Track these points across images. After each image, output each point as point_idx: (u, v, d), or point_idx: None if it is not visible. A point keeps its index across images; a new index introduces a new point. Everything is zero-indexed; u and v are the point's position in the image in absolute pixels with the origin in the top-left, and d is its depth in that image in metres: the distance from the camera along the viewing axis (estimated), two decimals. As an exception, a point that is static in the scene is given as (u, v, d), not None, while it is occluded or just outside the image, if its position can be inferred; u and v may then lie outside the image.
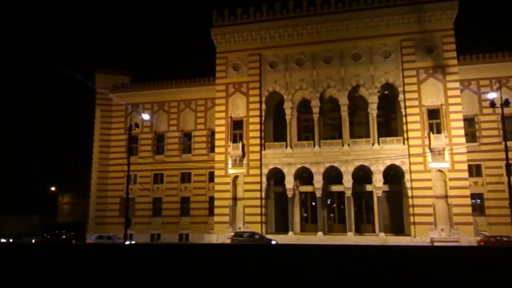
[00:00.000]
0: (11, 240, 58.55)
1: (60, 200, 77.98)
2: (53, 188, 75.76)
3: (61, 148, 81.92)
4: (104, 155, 59.92)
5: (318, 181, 47.54)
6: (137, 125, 46.82)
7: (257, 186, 48.90)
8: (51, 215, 76.62)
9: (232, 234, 44.05)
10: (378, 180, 46.27)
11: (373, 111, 48.09)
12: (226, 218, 49.06)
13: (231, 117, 51.16)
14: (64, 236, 62.50)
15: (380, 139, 47.43)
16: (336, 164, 47.43)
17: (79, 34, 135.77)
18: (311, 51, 50.29)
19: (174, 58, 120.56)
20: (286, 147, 49.54)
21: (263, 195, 48.87)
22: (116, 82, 62.26)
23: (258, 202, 48.58)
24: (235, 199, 49.77)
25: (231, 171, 50.07)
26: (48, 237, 62.30)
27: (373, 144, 47.28)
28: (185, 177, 56.79)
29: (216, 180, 50.92)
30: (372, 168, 46.59)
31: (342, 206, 49.60)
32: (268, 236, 45.69)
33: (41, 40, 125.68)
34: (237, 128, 51.13)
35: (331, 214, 51.37)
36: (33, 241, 58.09)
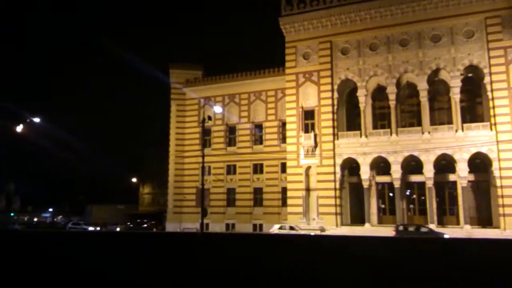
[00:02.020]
0: (98, 228, 62.76)
1: (141, 190, 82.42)
2: (134, 180, 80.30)
3: (141, 141, 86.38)
4: (180, 147, 62.07)
5: (396, 171, 45.46)
6: (209, 118, 48.09)
7: (331, 177, 47.90)
8: (133, 205, 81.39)
9: (398, 225, 41.86)
10: (462, 169, 43.23)
11: (455, 95, 44.88)
12: (300, 209, 48.71)
13: (302, 107, 50.46)
14: (145, 225, 66.11)
15: (464, 125, 44.21)
16: (415, 153, 45.03)
17: (153, 30, 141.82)
18: (385, 34, 47.95)
19: (244, 50, 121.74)
20: (361, 136, 47.91)
21: (338, 186, 47.78)
22: (189, 77, 64.01)
23: (332, 193, 47.61)
24: (308, 189, 49.21)
25: (303, 161, 49.50)
26: (131, 225, 66.25)
27: (456, 131, 44.21)
28: (257, 168, 57.19)
29: (288, 170, 50.68)
30: (456, 157, 43.61)
31: (423, 197, 47.06)
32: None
33: (120, 38, 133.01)
34: (308, 118, 50.36)
35: (411, 205, 48.97)
36: (118, 229, 62.04)
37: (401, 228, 40.27)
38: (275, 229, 44.65)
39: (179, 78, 64.07)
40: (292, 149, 50.45)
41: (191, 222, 56.28)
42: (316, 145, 49.00)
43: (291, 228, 44.29)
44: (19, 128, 43.50)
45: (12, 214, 78.59)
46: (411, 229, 39.93)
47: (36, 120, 44.80)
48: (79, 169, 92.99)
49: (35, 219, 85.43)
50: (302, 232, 43.09)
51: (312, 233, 42.09)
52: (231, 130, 60.30)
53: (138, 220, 67.97)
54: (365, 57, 48.74)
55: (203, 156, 41.90)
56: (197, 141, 60.02)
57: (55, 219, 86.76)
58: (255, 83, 58.64)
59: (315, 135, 49.14)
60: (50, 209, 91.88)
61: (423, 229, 39.66)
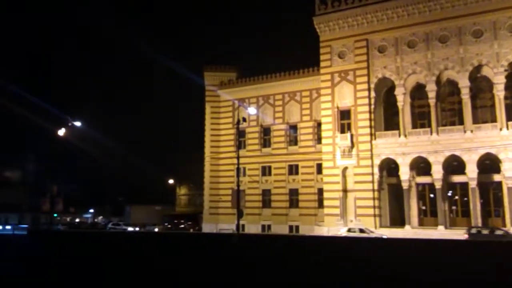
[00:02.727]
0: (137, 228, 64.11)
1: (178, 192, 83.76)
2: (171, 181, 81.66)
3: (177, 143, 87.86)
4: (215, 149, 62.56)
5: (437, 171, 44.04)
6: (244, 119, 47.90)
7: (369, 178, 46.97)
8: (170, 206, 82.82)
9: (470, 227, 39.75)
10: (508, 169, 41.40)
11: (499, 92, 43.02)
12: (337, 211, 48.03)
13: (337, 107, 49.73)
14: (182, 226, 67.02)
15: (509, 123, 42.30)
16: (457, 153, 43.48)
17: (188, 33, 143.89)
18: (424, 31, 46.56)
19: (278, 51, 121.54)
20: (399, 135, 46.73)
21: (376, 187, 46.79)
22: (223, 79, 64.41)
23: (370, 194, 46.68)
24: (345, 191, 48.45)
25: (340, 162, 48.79)
26: (169, 226, 67.33)
27: (500, 129, 42.38)
28: (293, 169, 56.85)
29: (325, 172, 50.10)
30: (501, 156, 41.80)
31: (465, 198, 45.35)
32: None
33: (155, 41, 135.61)
34: (344, 118, 49.60)
35: (453, 207, 47.30)
36: (156, 229, 63.19)
37: (474, 230, 38.18)
38: (343, 232, 41.82)
39: (214, 81, 64.59)
40: (328, 149, 49.83)
41: (227, 223, 56.66)
42: (352, 146, 48.18)
43: (361, 231, 40.42)
44: (61, 132, 45.15)
45: (55, 215, 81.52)
46: (485, 231, 37.84)
47: (77, 124, 46.40)
48: (118, 171, 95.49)
49: (77, 220, 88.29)
50: (373, 236, 39.53)
51: (385, 236, 38.90)
52: (266, 131, 60.22)
53: (175, 221, 68.99)
54: (403, 55, 47.49)
55: (238, 157, 41.94)
56: (232, 143, 60.32)
57: (95, 220, 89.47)
58: (289, 83, 58.32)
59: (352, 136, 48.31)
60: (91, 210, 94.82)
61: (498, 232, 37.43)
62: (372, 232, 41.34)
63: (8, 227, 65.41)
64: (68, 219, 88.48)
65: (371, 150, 47.41)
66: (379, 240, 35.92)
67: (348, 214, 47.86)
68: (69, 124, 45.44)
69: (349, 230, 41.57)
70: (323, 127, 50.95)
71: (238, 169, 42.07)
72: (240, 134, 54.43)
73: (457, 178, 45.52)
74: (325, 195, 49.52)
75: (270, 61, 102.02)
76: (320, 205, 51.65)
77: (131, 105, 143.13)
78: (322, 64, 51.83)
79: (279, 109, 59.19)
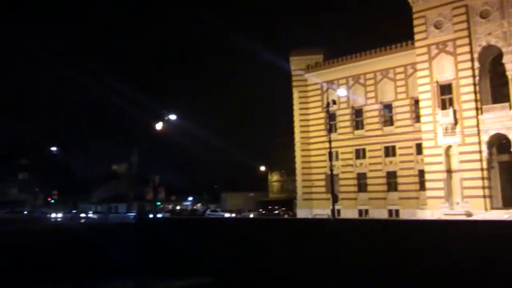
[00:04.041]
0: (233, 215, 66.08)
1: (270, 178, 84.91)
2: (263, 168, 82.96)
3: (268, 130, 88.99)
4: (305, 134, 61.92)
5: (559, 145, 39.09)
6: (334, 102, 46.85)
7: (476, 156, 43.18)
8: (263, 192, 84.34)
9: None
10: None
11: None
12: (441, 193, 44.99)
13: (437, 82, 46.22)
14: (276, 211, 67.82)
15: None
16: None
17: (271, 19, 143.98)
18: (537, -12, 41.20)
19: (366, 28, 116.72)
20: (510, 108, 42.17)
21: (485, 166, 42.90)
22: (310, 62, 63.23)
23: (478, 174, 42.94)
24: (449, 171, 45.13)
25: (442, 141, 45.46)
26: (263, 212, 68.53)
27: None
28: (389, 151, 54.23)
29: (425, 152, 47.09)
30: None
31: None
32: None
33: (241, 29, 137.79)
34: (445, 93, 46.01)
35: None
36: (251, 215, 64.62)
37: None
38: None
39: (300, 65, 63.69)
40: (428, 128, 46.69)
41: (321, 208, 55.98)
42: (456, 122, 44.56)
43: None
44: (159, 126, 47.75)
45: (158, 204, 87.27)
46: None
47: (172, 117, 48.76)
48: (213, 160, 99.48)
49: (178, 207, 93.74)
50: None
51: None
52: (357, 113, 58.10)
53: (270, 207, 70.05)
54: (511, 18, 42.54)
55: (330, 141, 41.15)
56: (322, 127, 59.18)
57: (194, 207, 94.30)
58: (381, 60, 55.40)
59: (454, 111, 44.67)
60: (190, 198, 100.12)
61: None
62: None
63: (120, 215, 71.56)
64: (170, 206, 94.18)
65: (477, 126, 43.45)
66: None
67: (454, 196, 44.57)
68: (165, 118, 47.93)
69: None
70: (421, 104, 47.77)
71: (330, 153, 41.35)
72: (331, 117, 53.04)
73: None
74: (427, 176, 46.61)
75: (359, 39, 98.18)
76: (422, 187, 48.80)
77: (222, 94, 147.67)
78: (416, 36, 48.47)
79: (371, 88, 56.64)
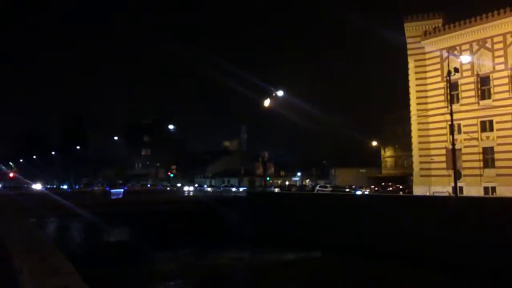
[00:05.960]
0: (347, 190, 64.98)
1: (382, 154, 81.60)
2: (374, 143, 79.97)
3: (380, 103, 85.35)
4: (422, 105, 57.80)
5: None
6: (456, 70, 42.61)
7: None
8: (375, 168, 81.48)
9: None
10: None
11: None
12: None
13: None
14: (390, 188, 65.18)
15: None
16: None
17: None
18: None
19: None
20: None
21: None
22: (426, 28, 58.39)
23: None
24: None
25: None
26: (376, 188, 66.38)
27: None
28: (522, 122, 48.16)
29: None
30: None
31: None
32: None
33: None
34: None
35: None
36: (365, 192, 62.99)
37: None
38: None
39: (416, 32, 59.13)
40: None
41: (441, 185, 52.32)
42: None
43: None
44: (267, 102, 48.27)
45: (268, 179, 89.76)
46: None
47: (280, 93, 48.87)
48: (322, 135, 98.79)
49: (287, 183, 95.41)
50: None
51: None
52: (483, 81, 52.33)
53: (383, 184, 67.50)
54: None
55: (451, 113, 37.88)
56: (442, 98, 54.60)
57: (303, 183, 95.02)
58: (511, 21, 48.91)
59: None
60: (299, 173, 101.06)
61: None
62: None
63: (233, 189, 75.17)
64: (279, 181, 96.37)
65: None
66: None
67: None
68: (273, 94, 48.21)
69: None
70: None
71: (452, 126, 38.17)
72: (452, 87, 48.50)
73: None
74: None
75: (480, 1, 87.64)
76: None
77: (330, 68, 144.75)
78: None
79: (500, 53, 50.45)
